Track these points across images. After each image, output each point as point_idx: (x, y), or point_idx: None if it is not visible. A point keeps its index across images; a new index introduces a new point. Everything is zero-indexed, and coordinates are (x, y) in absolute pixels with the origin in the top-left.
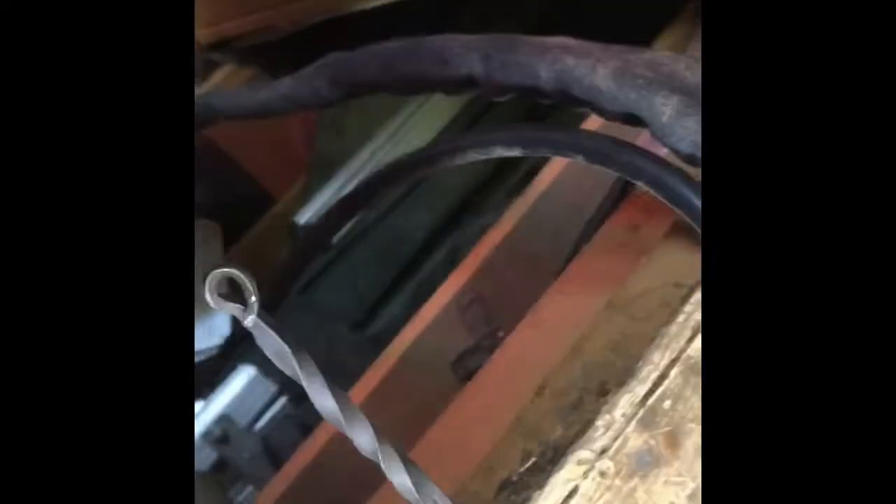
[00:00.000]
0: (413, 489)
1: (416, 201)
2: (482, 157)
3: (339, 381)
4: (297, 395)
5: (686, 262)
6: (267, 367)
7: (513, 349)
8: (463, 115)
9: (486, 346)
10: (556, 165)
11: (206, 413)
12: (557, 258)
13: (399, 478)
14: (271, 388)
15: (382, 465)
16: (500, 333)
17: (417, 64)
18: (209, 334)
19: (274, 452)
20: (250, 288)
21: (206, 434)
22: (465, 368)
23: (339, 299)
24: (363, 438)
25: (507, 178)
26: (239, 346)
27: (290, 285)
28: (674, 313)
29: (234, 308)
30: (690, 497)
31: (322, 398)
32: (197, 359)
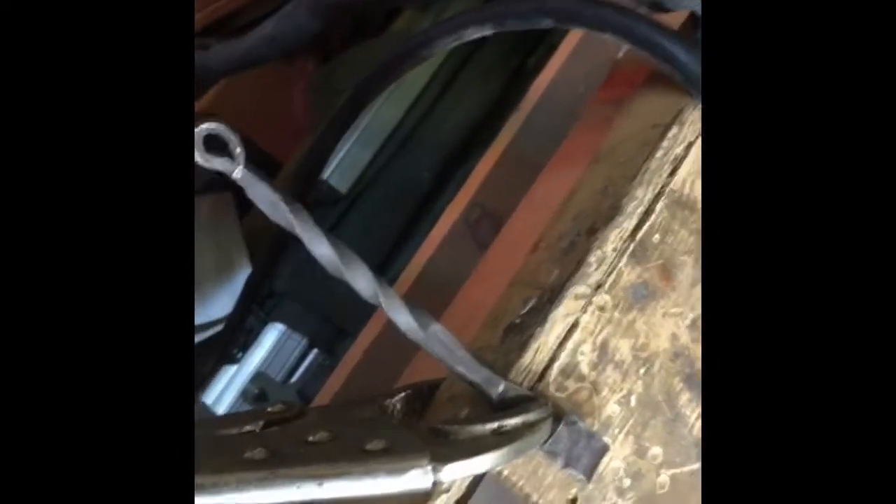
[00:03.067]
0: (417, 327)
1: (419, 143)
2: (457, 41)
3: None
4: (328, 345)
5: (661, 104)
6: (295, 322)
7: (511, 231)
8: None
9: None
10: (546, 76)
11: (240, 374)
12: None
13: (402, 317)
14: (301, 341)
15: (384, 306)
16: None
17: None
18: (232, 300)
19: (312, 402)
20: (235, 140)
21: (245, 393)
22: None
23: (355, 248)
24: (363, 283)
25: (506, 112)
26: (265, 306)
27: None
28: (653, 150)
29: (222, 162)
30: (691, 326)
31: (318, 246)
32: (223, 325)
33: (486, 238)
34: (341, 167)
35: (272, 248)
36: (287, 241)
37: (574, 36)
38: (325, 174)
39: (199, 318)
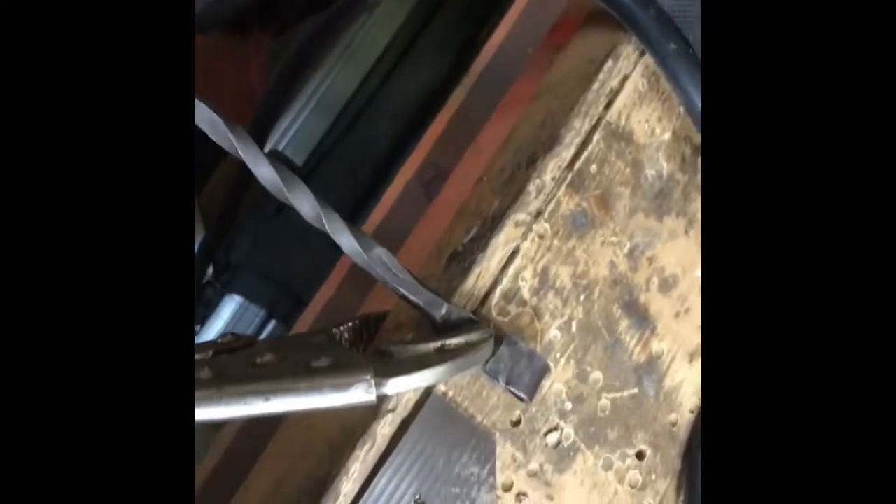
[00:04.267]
0: (360, 250)
1: (375, 113)
2: None
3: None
4: (286, 316)
5: (598, 40)
6: (253, 294)
7: (457, 178)
8: (414, 18)
9: None
10: (496, 39)
11: None
12: None
13: (345, 239)
14: (260, 312)
15: (328, 229)
16: None
17: None
18: None
19: None
20: None
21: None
22: None
23: None
24: (305, 205)
25: (459, 81)
26: (221, 277)
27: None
28: (589, 83)
29: None
30: (628, 255)
31: (260, 167)
32: None
33: (437, 193)
34: (297, 138)
35: (221, 216)
36: (234, 207)
37: (520, 3)
38: (281, 145)
39: None
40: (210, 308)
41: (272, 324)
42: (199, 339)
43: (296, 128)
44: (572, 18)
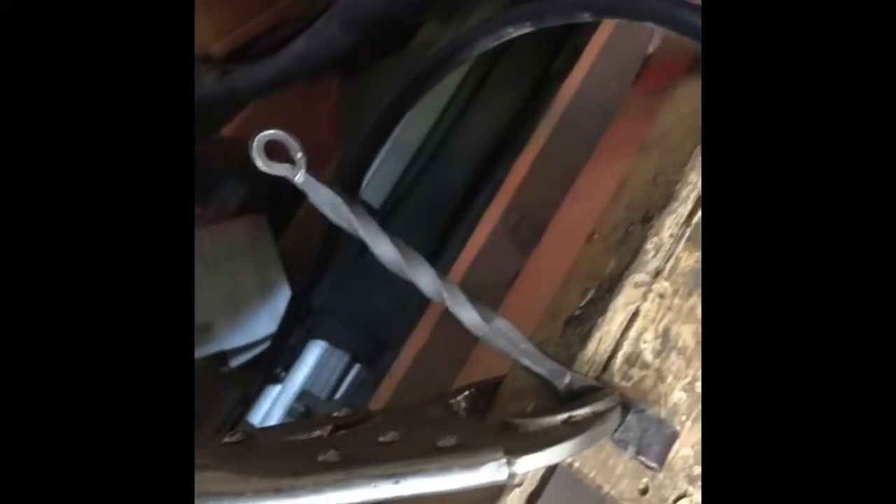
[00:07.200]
0: (482, 321)
1: (449, 152)
2: (497, 41)
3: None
4: (370, 359)
5: None
6: (337, 338)
7: (558, 228)
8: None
9: None
10: (576, 77)
11: (285, 393)
12: None
13: (466, 313)
14: (344, 357)
15: (448, 303)
16: None
17: None
18: (273, 319)
19: None
20: (296, 145)
21: (291, 412)
22: None
23: None
24: (426, 280)
25: (535, 116)
26: (305, 323)
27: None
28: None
29: (283, 168)
30: None
31: (381, 245)
32: (266, 344)
33: (527, 240)
34: (373, 182)
35: (312, 267)
36: (326, 259)
37: (601, 35)
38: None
39: (242, 339)
40: (295, 354)
41: (356, 368)
42: (285, 386)
43: (372, 171)
44: (664, 61)
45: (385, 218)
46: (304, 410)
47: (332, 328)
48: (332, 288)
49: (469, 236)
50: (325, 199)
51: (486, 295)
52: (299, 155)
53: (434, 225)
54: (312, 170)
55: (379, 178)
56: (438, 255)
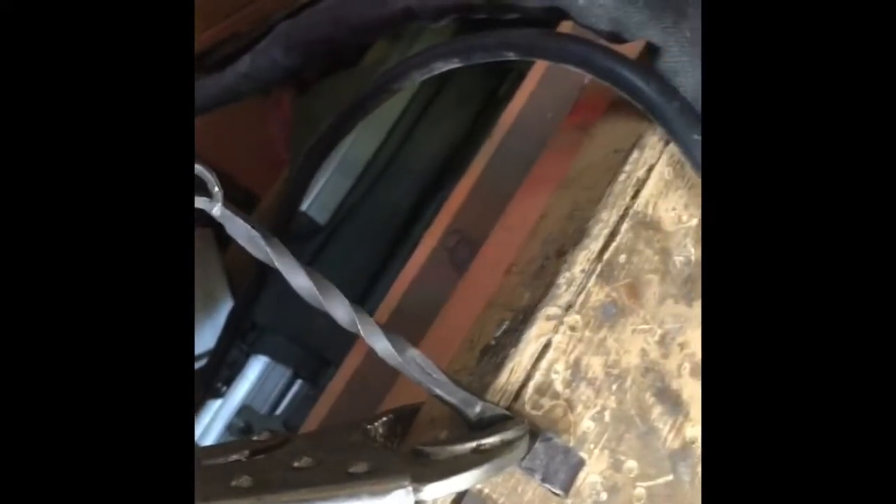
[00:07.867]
0: (395, 353)
1: (396, 172)
2: (426, 74)
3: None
4: (312, 375)
5: (622, 129)
6: (279, 354)
7: (487, 255)
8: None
9: None
10: (516, 104)
11: (225, 407)
12: None
13: (379, 343)
14: (286, 372)
15: (362, 333)
16: None
17: (360, 10)
18: (216, 333)
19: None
20: (212, 180)
21: (230, 426)
22: None
23: (335, 278)
24: (340, 311)
25: (480, 138)
26: (247, 339)
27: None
28: (616, 174)
29: (201, 201)
30: (659, 342)
31: (296, 278)
32: (204, 360)
33: (463, 262)
34: (320, 199)
35: (253, 282)
36: (267, 275)
37: (541, 64)
38: (304, 206)
39: None
40: (236, 369)
41: (298, 383)
42: (225, 400)
43: (318, 188)
44: (594, 97)
45: (331, 234)
46: (244, 426)
47: (274, 344)
48: (275, 304)
49: (412, 255)
50: (241, 232)
51: (424, 313)
52: (216, 189)
53: (380, 242)
54: (228, 203)
55: (326, 195)
56: (382, 273)
